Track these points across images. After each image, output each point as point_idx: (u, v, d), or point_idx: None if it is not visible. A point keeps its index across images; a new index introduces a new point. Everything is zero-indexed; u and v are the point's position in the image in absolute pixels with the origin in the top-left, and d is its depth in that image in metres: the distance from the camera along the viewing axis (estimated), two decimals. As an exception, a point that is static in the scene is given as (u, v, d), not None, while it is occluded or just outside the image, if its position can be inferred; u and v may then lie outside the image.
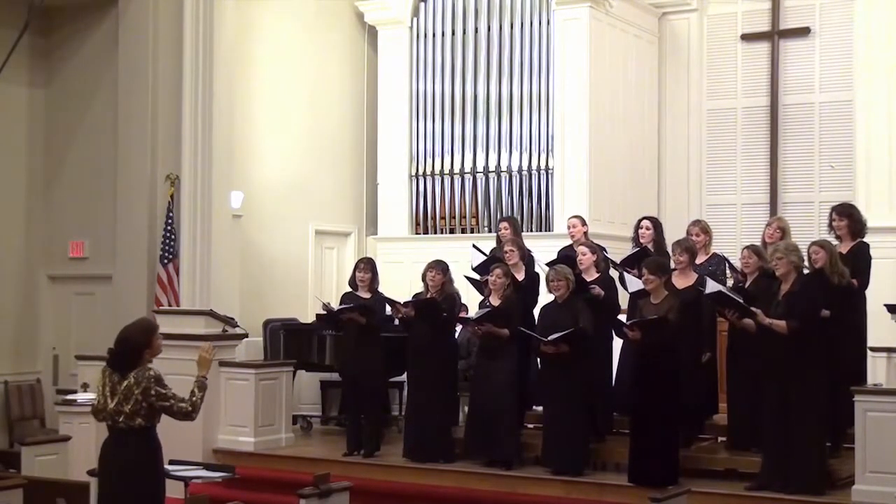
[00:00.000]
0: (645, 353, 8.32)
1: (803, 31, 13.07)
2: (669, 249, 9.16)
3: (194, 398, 6.26)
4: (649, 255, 9.13)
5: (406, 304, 9.46)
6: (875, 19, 11.80)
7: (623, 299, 9.38)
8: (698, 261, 9.13)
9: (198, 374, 6.36)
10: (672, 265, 8.87)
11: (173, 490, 6.91)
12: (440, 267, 9.49)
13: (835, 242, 8.62)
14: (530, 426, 9.65)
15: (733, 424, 8.76)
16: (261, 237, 12.82)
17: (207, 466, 7.77)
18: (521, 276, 9.38)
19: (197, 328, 10.18)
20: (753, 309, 7.91)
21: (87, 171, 12.45)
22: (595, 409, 9.04)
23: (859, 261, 8.58)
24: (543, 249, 10.18)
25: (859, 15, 12.04)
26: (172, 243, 11.68)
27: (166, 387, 6.19)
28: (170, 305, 11.41)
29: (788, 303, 7.86)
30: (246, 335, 10.78)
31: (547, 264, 9.39)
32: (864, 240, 8.76)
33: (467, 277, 9.78)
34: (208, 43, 11.72)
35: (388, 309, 9.77)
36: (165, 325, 10.18)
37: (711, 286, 8.32)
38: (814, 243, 8.43)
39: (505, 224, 10.08)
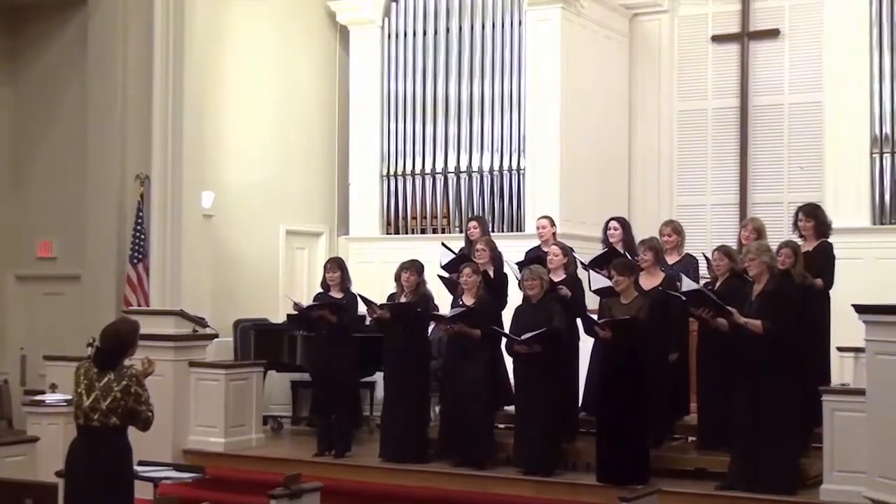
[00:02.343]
0: (614, 352, 8.36)
1: (773, 33, 13.14)
2: (639, 248, 9.20)
3: (151, 412, 6.23)
4: (617, 255, 9.16)
5: (382, 306, 9.45)
6: (844, 21, 11.90)
7: (590, 299, 9.41)
8: (670, 261, 9.17)
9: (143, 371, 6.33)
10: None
11: (142, 491, 6.88)
12: (415, 268, 9.49)
13: (799, 242, 8.69)
14: (501, 426, 9.66)
15: (703, 424, 8.81)
16: (231, 237, 12.77)
17: (177, 467, 7.76)
18: (491, 274, 9.39)
19: (167, 328, 10.13)
20: (729, 308, 7.96)
21: (55, 171, 12.38)
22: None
23: (824, 260, 8.67)
24: (514, 250, 10.19)
25: (828, 17, 12.13)
26: (142, 243, 11.64)
27: (145, 389, 6.18)
28: (139, 306, 11.36)
29: (762, 303, 7.91)
30: (216, 335, 10.74)
31: (517, 264, 9.42)
32: (828, 240, 8.85)
33: (440, 277, 9.79)
34: (179, 42, 11.68)
35: (361, 307, 9.76)
36: (135, 325, 10.20)
37: (688, 284, 8.36)
38: (784, 244, 8.50)
39: (474, 223, 10.10)
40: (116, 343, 6.19)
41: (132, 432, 6.25)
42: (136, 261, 11.61)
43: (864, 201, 11.65)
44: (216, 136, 12.53)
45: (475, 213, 12.54)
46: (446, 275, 9.78)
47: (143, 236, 11.66)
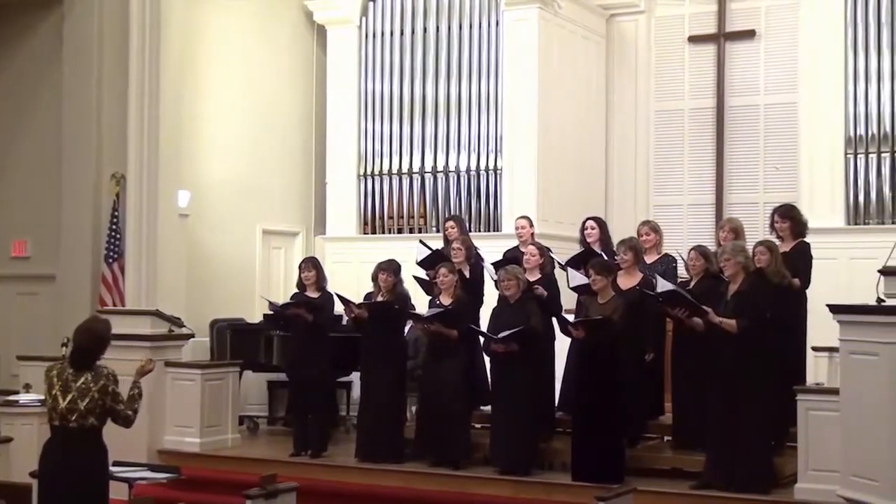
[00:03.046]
0: (589, 352, 8.38)
1: (749, 34, 13.19)
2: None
3: (136, 405, 6.24)
4: (594, 255, 9.19)
5: (360, 305, 9.44)
6: (819, 23, 11.95)
7: (566, 299, 9.43)
8: (649, 260, 9.20)
9: (135, 381, 6.34)
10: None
11: (117, 492, 6.85)
12: (392, 268, 9.49)
13: (777, 243, 8.73)
14: (478, 426, 9.67)
15: (678, 424, 8.84)
16: (208, 237, 12.73)
17: (152, 467, 7.73)
18: (466, 274, 9.40)
19: (143, 328, 10.10)
20: (705, 308, 7.99)
21: (30, 170, 12.30)
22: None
23: (801, 260, 8.71)
24: (491, 250, 10.20)
25: (803, 18, 12.18)
26: (117, 242, 11.58)
27: (138, 387, 6.18)
28: (115, 305, 11.30)
29: (737, 302, 7.95)
30: (192, 335, 10.71)
31: (493, 264, 9.43)
32: (805, 239, 8.89)
33: (415, 277, 9.79)
34: (155, 41, 11.61)
35: (337, 307, 9.75)
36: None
37: (663, 284, 8.39)
38: (760, 243, 8.53)
39: (451, 223, 10.11)
40: (91, 342, 6.17)
41: (106, 432, 6.23)
42: (111, 260, 11.55)
43: (838, 202, 11.71)
44: (192, 136, 12.49)
45: (452, 213, 12.55)
46: (422, 275, 9.78)
47: (118, 236, 11.60)
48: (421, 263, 9.80)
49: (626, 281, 8.81)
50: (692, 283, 8.72)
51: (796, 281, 8.56)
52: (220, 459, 9.89)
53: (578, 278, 8.87)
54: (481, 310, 9.68)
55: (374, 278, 9.57)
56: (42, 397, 6.53)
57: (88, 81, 11.82)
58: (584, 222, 9.73)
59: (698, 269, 8.72)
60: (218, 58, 12.95)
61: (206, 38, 12.81)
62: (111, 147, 11.79)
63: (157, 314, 10.28)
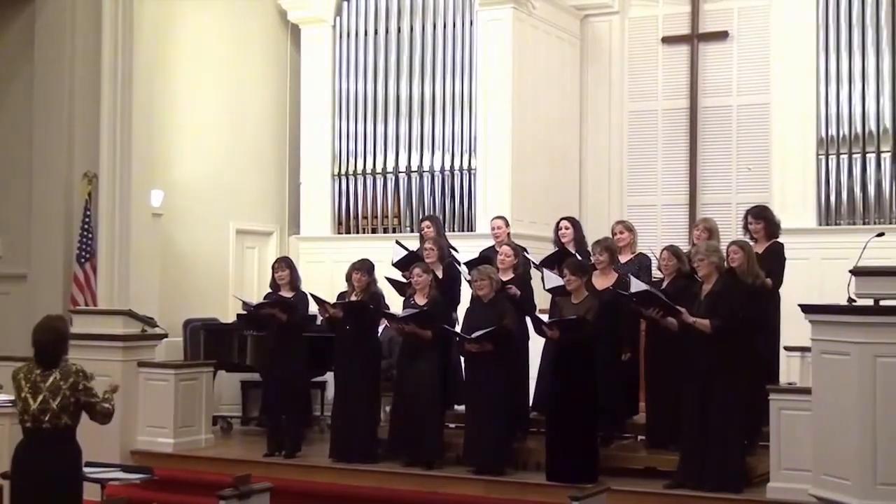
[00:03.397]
0: (564, 352, 8.40)
1: (722, 35, 13.26)
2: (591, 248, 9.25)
3: (113, 401, 6.23)
4: (568, 255, 9.21)
5: (335, 305, 9.43)
6: (790, 24, 12.04)
7: (541, 299, 9.44)
8: (623, 260, 9.22)
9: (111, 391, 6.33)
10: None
11: (90, 492, 6.81)
12: (365, 267, 9.47)
13: (751, 244, 8.77)
14: (452, 426, 9.67)
15: (652, 423, 8.87)
16: (181, 236, 12.68)
17: (125, 468, 7.69)
18: (439, 274, 9.40)
19: (115, 328, 10.04)
20: (679, 307, 8.02)
21: (0, 168, 12.20)
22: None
23: (774, 261, 8.75)
24: (466, 249, 10.20)
25: (775, 20, 12.27)
26: (90, 242, 11.51)
27: (91, 382, 6.13)
28: (87, 305, 11.24)
29: (711, 302, 7.98)
30: (165, 335, 10.65)
31: (466, 264, 9.44)
32: (779, 240, 8.95)
33: (388, 279, 9.77)
34: (127, 39, 11.56)
35: (312, 307, 9.73)
36: (83, 325, 10.12)
37: (637, 285, 8.42)
38: (733, 243, 8.56)
39: (427, 223, 10.10)
40: (52, 337, 6.14)
41: (78, 433, 6.19)
42: (83, 260, 11.49)
43: (810, 202, 11.79)
44: (165, 135, 12.43)
45: (426, 213, 12.56)
46: (396, 276, 9.76)
47: (90, 235, 11.53)
48: (397, 265, 9.78)
49: (602, 281, 8.83)
50: (665, 283, 8.74)
51: (769, 281, 8.60)
52: (193, 460, 9.85)
53: (554, 280, 8.88)
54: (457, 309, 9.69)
55: (349, 278, 9.56)
56: (13, 398, 6.49)
57: (60, 79, 11.75)
58: (558, 222, 9.74)
59: (671, 269, 8.74)
60: (191, 56, 12.89)
61: (180, 37, 12.75)
62: (83, 146, 11.72)
63: (130, 314, 10.22)
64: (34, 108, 11.88)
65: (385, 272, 9.95)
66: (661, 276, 9.05)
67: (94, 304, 11.27)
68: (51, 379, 6.02)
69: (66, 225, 11.70)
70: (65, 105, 11.75)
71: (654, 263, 9.40)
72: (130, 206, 11.52)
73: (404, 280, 9.62)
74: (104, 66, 11.56)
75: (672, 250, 8.83)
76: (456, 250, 9.99)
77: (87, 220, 11.56)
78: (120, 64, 11.53)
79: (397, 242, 10.05)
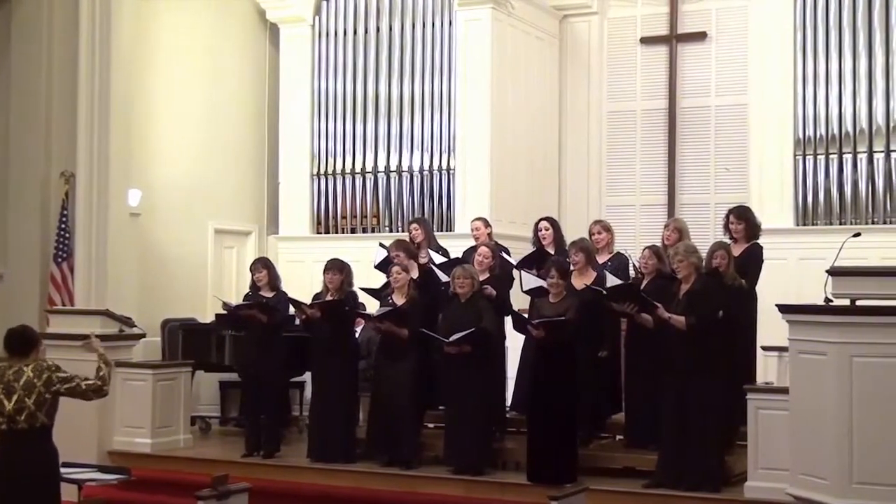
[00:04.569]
0: (546, 352, 8.41)
1: (700, 36, 13.30)
2: (569, 248, 9.26)
3: (101, 373, 6.20)
4: (546, 255, 9.22)
5: (311, 305, 9.41)
6: (768, 26, 12.10)
7: (517, 299, 9.45)
8: (601, 260, 9.23)
9: (99, 355, 6.31)
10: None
11: (67, 493, 6.78)
12: (336, 267, 9.46)
13: (730, 243, 8.81)
14: (431, 426, 9.67)
15: (631, 423, 8.89)
16: (159, 236, 12.63)
17: (102, 468, 7.66)
18: (414, 275, 9.39)
19: (93, 328, 9.93)
20: (655, 303, 8.05)
21: (-24, 168, 12.15)
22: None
23: (751, 262, 8.80)
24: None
25: (753, 21, 12.33)
26: (67, 241, 11.46)
27: (65, 371, 6.11)
28: (64, 305, 11.19)
29: (689, 301, 8.01)
30: (143, 335, 10.61)
31: (440, 265, 9.43)
32: (758, 241, 8.99)
33: (363, 289, 9.73)
34: (105, 38, 11.51)
35: (291, 308, 9.71)
36: (60, 325, 10.08)
37: (612, 280, 8.44)
38: (719, 246, 8.58)
39: (415, 225, 10.09)
40: (24, 337, 6.13)
41: (55, 432, 6.17)
42: (60, 260, 11.44)
43: (787, 202, 11.85)
44: (144, 134, 12.38)
45: (405, 213, 12.61)
46: (370, 286, 9.72)
47: (67, 235, 11.48)
48: (378, 266, 9.76)
49: (581, 281, 8.84)
50: (644, 283, 8.76)
51: (743, 281, 8.63)
52: (171, 460, 9.82)
53: (531, 281, 8.88)
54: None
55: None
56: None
57: (37, 77, 11.69)
58: (537, 223, 9.74)
59: (651, 269, 8.76)
60: (169, 55, 12.84)
61: (158, 36, 12.70)
62: (61, 145, 11.67)
63: (108, 314, 10.18)
64: (11, 106, 11.82)
65: (366, 271, 9.94)
66: (635, 275, 9.07)
67: (72, 304, 11.23)
68: (24, 378, 6.00)
69: (43, 224, 11.64)
70: (42, 104, 11.69)
71: (632, 263, 9.43)
72: (108, 205, 11.47)
73: (377, 288, 9.59)
74: (81, 65, 11.50)
75: (653, 250, 8.86)
76: (447, 252, 9.93)
77: (64, 219, 11.51)
78: (97, 62, 11.48)
79: (381, 245, 10.02)
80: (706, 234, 11.70)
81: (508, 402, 9.53)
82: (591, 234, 9.41)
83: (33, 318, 11.22)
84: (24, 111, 11.73)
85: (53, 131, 11.71)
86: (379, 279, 9.74)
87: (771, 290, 9.02)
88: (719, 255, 8.44)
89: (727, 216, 9.09)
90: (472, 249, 9.75)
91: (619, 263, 9.36)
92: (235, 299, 10.71)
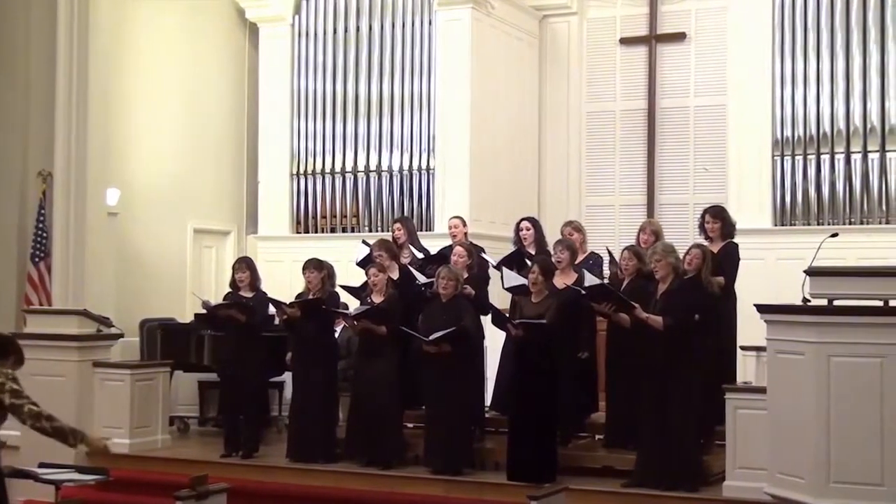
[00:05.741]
0: (526, 352, 8.42)
1: (679, 37, 13.34)
2: (551, 248, 9.27)
3: (46, 424, 5.95)
4: (526, 255, 9.23)
5: (291, 304, 9.40)
6: (747, 26, 12.13)
7: (497, 298, 9.46)
8: (576, 260, 9.26)
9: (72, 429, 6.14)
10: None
11: (44, 494, 6.75)
12: (313, 265, 9.46)
13: (705, 243, 8.84)
14: (410, 426, 9.67)
15: (610, 422, 8.91)
16: (137, 235, 12.58)
17: (80, 469, 7.59)
18: (395, 275, 9.40)
19: (70, 328, 9.96)
20: (632, 303, 8.07)
21: (-46, 167, 12.07)
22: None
23: (728, 261, 8.82)
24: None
25: (732, 22, 12.36)
26: (44, 241, 11.41)
27: (21, 387, 6.02)
28: (41, 305, 11.13)
29: (666, 301, 8.03)
30: (121, 335, 10.57)
31: (421, 260, 9.43)
32: (734, 241, 9.02)
33: (343, 287, 9.73)
34: (83, 36, 11.46)
35: (271, 307, 9.69)
36: (37, 325, 10.04)
37: (590, 279, 8.46)
38: (697, 247, 8.59)
39: (398, 225, 10.09)
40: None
41: (34, 435, 6.12)
42: (37, 259, 11.38)
43: (765, 203, 11.89)
44: (122, 133, 12.33)
45: (385, 213, 12.61)
46: (349, 283, 9.72)
47: (45, 234, 11.43)
48: (360, 264, 9.75)
49: (561, 281, 8.86)
50: (624, 284, 8.78)
51: (721, 279, 8.65)
52: (149, 460, 9.78)
53: (513, 279, 8.90)
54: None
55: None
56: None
57: (15, 76, 11.62)
58: (518, 223, 9.77)
59: (631, 270, 8.77)
60: (148, 54, 12.79)
61: (136, 35, 12.65)
62: (38, 144, 11.61)
63: (85, 314, 10.14)
64: (-12, 105, 11.77)
65: (347, 270, 9.93)
66: (610, 275, 9.10)
67: (49, 304, 11.17)
68: None
69: (21, 224, 11.58)
70: (19, 103, 11.64)
71: (606, 259, 9.46)
72: (86, 204, 11.42)
73: (357, 286, 9.59)
74: (59, 64, 11.45)
75: (633, 250, 8.88)
76: (428, 252, 9.92)
77: (41, 218, 11.46)
78: (75, 62, 11.42)
79: (364, 242, 10.01)
80: (685, 234, 11.71)
81: (488, 401, 9.54)
82: (562, 234, 9.44)
83: (10, 318, 11.17)
84: (1, 110, 11.66)
85: (31, 130, 11.65)
86: (360, 277, 9.74)
87: (749, 290, 9.05)
88: (693, 254, 8.41)
89: (703, 215, 9.11)
90: (450, 248, 9.77)
91: (594, 262, 9.40)
92: (215, 299, 10.66)
